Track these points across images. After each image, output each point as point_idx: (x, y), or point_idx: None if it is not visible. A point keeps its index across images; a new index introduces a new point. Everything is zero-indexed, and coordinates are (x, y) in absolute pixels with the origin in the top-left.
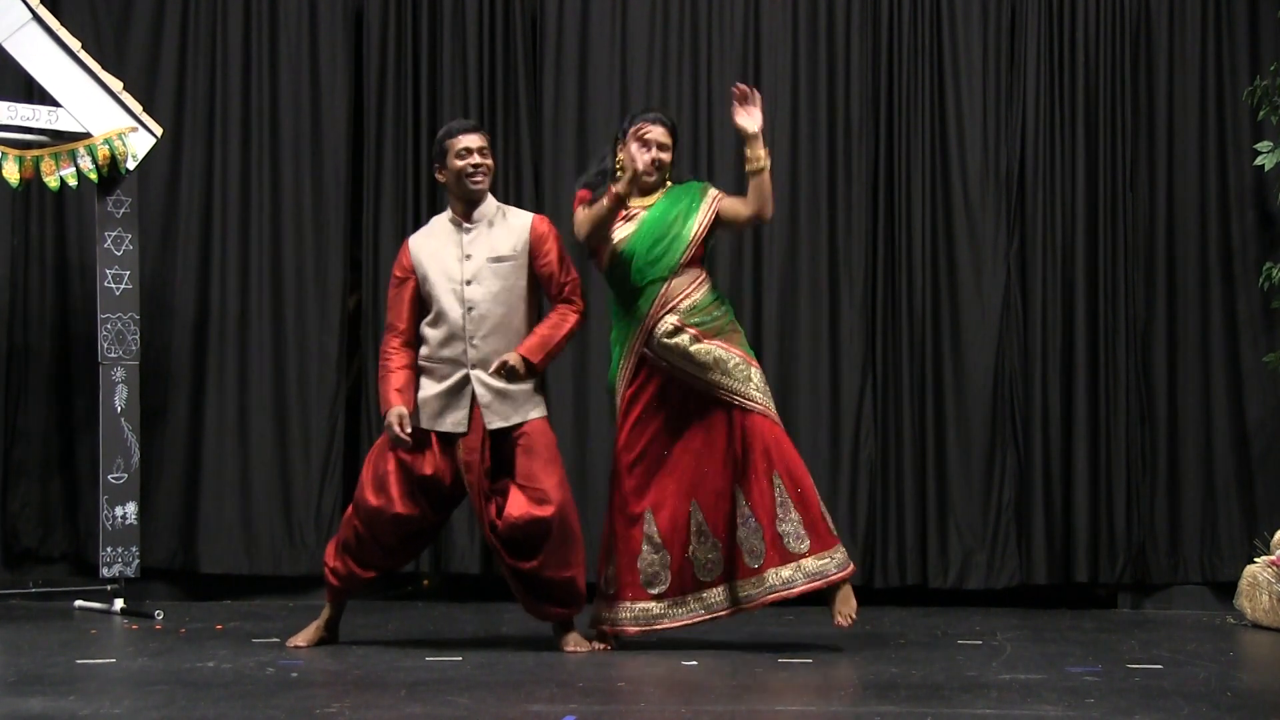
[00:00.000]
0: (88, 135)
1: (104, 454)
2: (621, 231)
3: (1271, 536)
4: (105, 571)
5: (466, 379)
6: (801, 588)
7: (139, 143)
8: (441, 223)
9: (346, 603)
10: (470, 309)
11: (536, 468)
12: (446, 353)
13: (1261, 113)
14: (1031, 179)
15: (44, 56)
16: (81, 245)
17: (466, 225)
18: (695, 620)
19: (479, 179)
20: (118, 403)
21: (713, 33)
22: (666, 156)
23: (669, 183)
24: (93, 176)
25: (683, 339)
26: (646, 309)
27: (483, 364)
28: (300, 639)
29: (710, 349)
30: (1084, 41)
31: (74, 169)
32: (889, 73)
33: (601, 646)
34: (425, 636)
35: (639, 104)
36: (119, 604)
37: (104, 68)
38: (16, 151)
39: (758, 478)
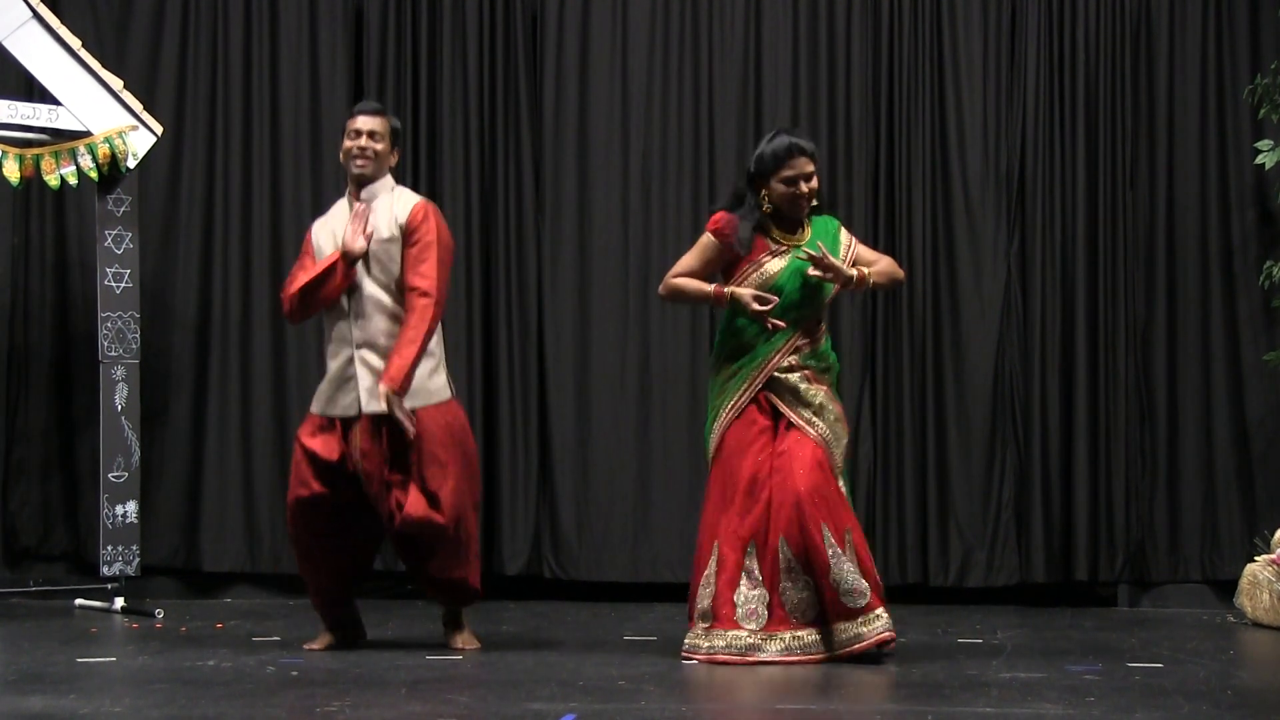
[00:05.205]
0: (88, 133)
1: (104, 453)
2: (770, 266)
3: (1272, 535)
4: (105, 570)
5: (351, 359)
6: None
7: (139, 141)
8: (339, 203)
9: (342, 607)
10: (351, 288)
11: (432, 469)
12: (334, 333)
13: (1262, 111)
14: (1031, 179)
15: (44, 55)
16: (82, 244)
17: (357, 205)
18: (790, 659)
19: (361, 162)
20: (118, 401)
21: (713, 33)
22: (815, 185)
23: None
24: (93, 175)
25: (794, 376)
26: (770, 350)
27: (367, 344)
28: (316, 644)
29: (817, 392)
30: (1084, 41)
31: (74, 167)
32: (889, 73)
33: (472, 646)
34: (425, 636)
35: (639, 104)
36: (119, 602)
37: (104, 66)
38: (17, 150)
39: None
